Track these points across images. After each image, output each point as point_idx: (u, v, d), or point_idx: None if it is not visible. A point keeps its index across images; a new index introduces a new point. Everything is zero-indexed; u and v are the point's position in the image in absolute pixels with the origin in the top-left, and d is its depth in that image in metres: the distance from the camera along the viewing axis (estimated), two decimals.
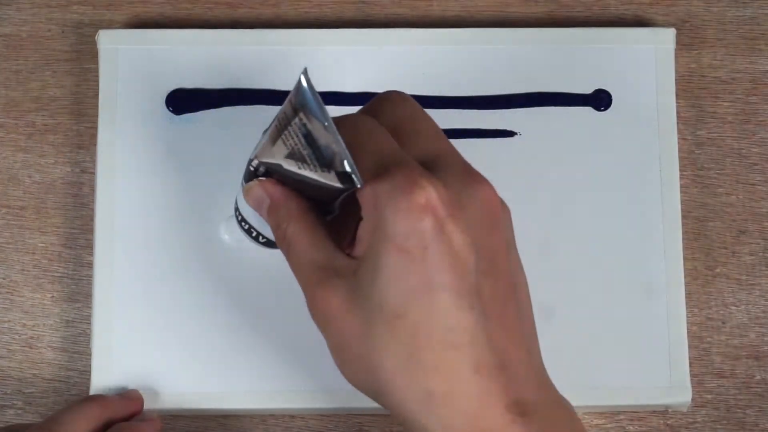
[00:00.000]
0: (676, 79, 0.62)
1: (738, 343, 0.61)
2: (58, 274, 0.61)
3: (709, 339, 0.61)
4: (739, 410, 0.60)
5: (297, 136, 0.43)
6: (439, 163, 0.44)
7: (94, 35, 0.62)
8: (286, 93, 0.61)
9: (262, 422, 0.60)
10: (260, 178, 0.47)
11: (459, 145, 0.60)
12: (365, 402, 0.58)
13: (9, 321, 0.61)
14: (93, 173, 0.61)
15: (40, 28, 0.64)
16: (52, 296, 0.61)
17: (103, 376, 0.58)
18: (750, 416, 0.60)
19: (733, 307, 0.61)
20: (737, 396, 0.60)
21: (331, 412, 0.59)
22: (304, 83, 0.42)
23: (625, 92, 0.61)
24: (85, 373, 0.60)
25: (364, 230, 0.43)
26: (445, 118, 0.61)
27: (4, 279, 0.61)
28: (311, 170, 0.43)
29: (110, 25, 0.64)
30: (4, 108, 0.63)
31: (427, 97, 0.61)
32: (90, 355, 0.58)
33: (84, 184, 0.62)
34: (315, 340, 0.58)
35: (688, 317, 0.59)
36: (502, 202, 0.44)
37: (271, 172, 0.47)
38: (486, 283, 0.42)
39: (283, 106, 0.44)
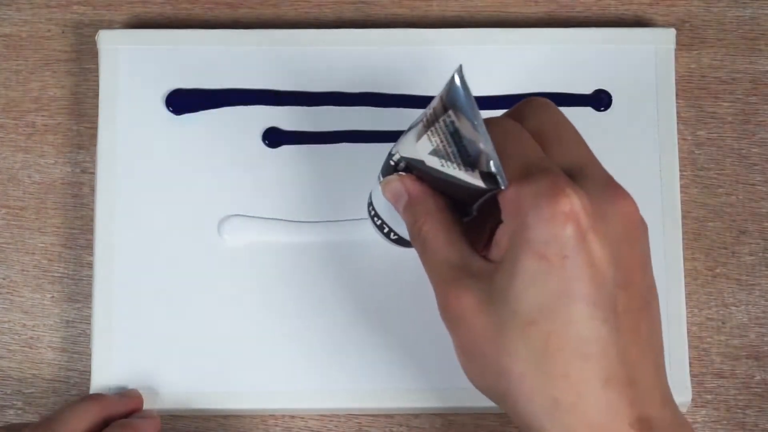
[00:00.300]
0: (676, 79, 0.62)
1: (738, 344, 0.61)
2: (58, 274, 0.61)
3: (709, 339, 0.61)
4: (739, 410, 0.60)
5: (444, 134, 0.43)
6: (582, 173, 0.44)
7: (94, 35, 0.62)
8: (286, 93, 0.61)
9: (262, 422, 0.60)
10: (400, 173, 0.47)
11: None
12: (365, 402, 0.58)
13: (9, 321, 0.61)
14: (93, 173, 0.61)
15: (40, 28, 0.64)
16: (52, 296, 0.61)
17: (103, 376, 0.58)
18: (750, 416, 0.60)
19: (733, 308, 0.61)
20: (737, 396, 0.60)
21: (331, 412, 0.59)
22: (458, 81, 0.42)
23: (625, 92, 0.61)
24: (85, 373, 0.60)
25: (502, 234, 0.43)
26: None
27: (4, 279, 0.61)
28: (455, 168, 0.44)
29: (110, 25, 0.64)
30: (4, 108, 0.63)
31: (427, 97, 0.61)
32: (90, 355, 0.58)
33: (84, 184, 0.62)
34: (315, 340, 0.59)
35: (688, 317, 0.59)
36: (642, 220, 0.44)
37: (412, 169, 0.47)
38: (621, 297, 0.42)
39: (432, 102, 0.44)
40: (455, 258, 0.45)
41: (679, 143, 0.61)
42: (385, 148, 0.60)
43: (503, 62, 0.61)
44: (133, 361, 0.58)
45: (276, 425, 0.60)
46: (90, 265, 0.61)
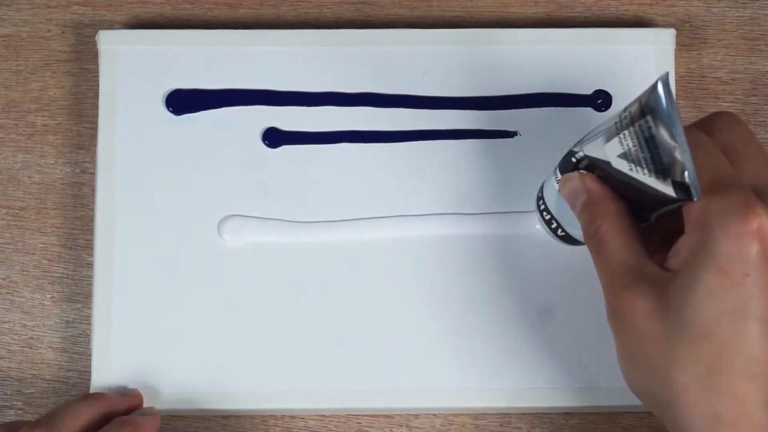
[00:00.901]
0: (676, 80, 0.62)
1: None
2: (58, 275, 0.61)
3: None
4: None
5: (638, 138, 0.44)
6: (740, 189, 0.44)
7: (94, 35, 0.62)
8: (286, 93, 0.61)
9: (262, 422, 0.60)
10: (581, 171, 0.48)
11: (459, 145, 0.61)
12: (365, 402, 0.58)
13: (9, 321, 0.61)
14: (93, 173, 0.61)
15: (40, 28, 0.64)
16: (52, 296, 0.61)
17: (103, 376, 0.58)
18: None
19: None
20: None
21: (331, 412, 0.59)
22: (660, 89, 0.42)
23: (625, 92, 0.61)
24: (85, 373, 0.60)
25: (684, 244, 0.43)
26: (445, 119, 0.61)
27: (4, 279, 0.61)
28: (645, 174, 0.44)
29: (110, 25, 0.64)
30: (4, 108, 0.63)
31: (427, 97, 0.61)
32: (90, 355, 0.58)
33: (84, 184, 0.62)
34: (315, 340, 0.59)
35: None
36: None
37: (593, 168, 0.47)
38: None
39: (628, 105, 0.44)
40: (631, 262, 0.45)
41: None
42: (384, 148, 0.60)
43: (503, 62, 0.61)
44: (133, 361, 0.58)
45: (276, 425, 0.60)
46: (90, 265, 0.61)
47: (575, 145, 0.48)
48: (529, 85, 0.61)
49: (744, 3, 0.64)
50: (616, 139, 0.45)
